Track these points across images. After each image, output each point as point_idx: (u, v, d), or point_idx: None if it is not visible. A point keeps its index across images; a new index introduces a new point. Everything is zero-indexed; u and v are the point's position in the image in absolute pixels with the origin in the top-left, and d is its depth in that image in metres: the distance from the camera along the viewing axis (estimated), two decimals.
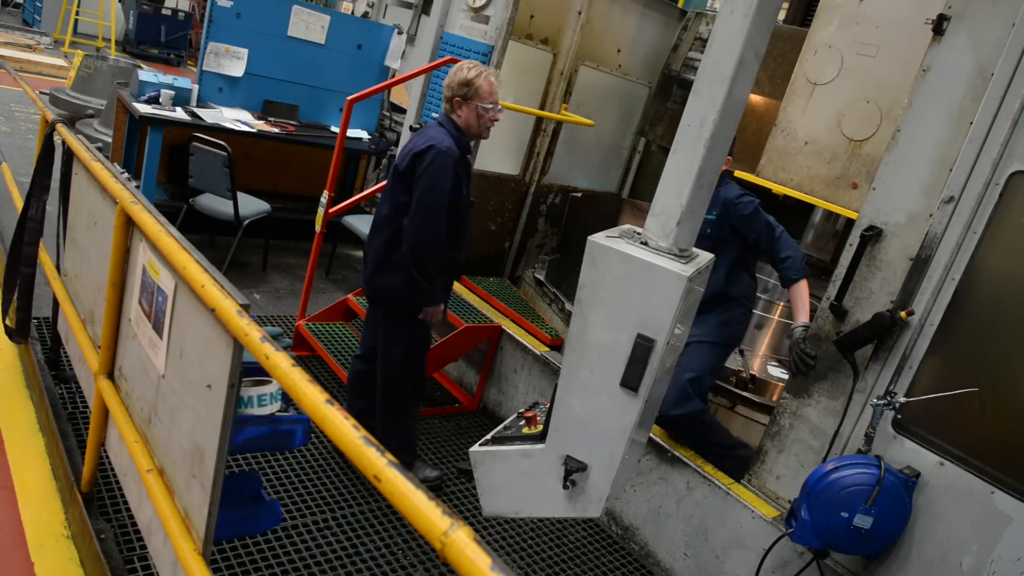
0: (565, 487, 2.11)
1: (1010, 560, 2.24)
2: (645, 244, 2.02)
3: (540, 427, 2.26)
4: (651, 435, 3.24)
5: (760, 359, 3.95)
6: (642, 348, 1.94)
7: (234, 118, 5.30)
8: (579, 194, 5.32)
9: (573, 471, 2.08)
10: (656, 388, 2.07)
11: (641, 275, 1.94)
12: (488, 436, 2.32)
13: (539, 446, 2.17)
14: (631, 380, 1.97)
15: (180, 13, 14.15)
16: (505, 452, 2.24)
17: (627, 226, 2.15)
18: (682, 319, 2.02)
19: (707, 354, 3.20)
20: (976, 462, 2.33)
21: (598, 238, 2.02)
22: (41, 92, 7.22)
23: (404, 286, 2.99)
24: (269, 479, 3.08)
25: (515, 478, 2.23)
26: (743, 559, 2.88)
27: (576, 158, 5.26)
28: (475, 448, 2.29)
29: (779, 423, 2.93)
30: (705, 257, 2.12)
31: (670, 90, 5.49)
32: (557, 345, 3.96)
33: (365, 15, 7.82)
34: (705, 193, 2.09)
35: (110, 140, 5.76)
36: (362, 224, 4.95)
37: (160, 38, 13.86)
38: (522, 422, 2.40)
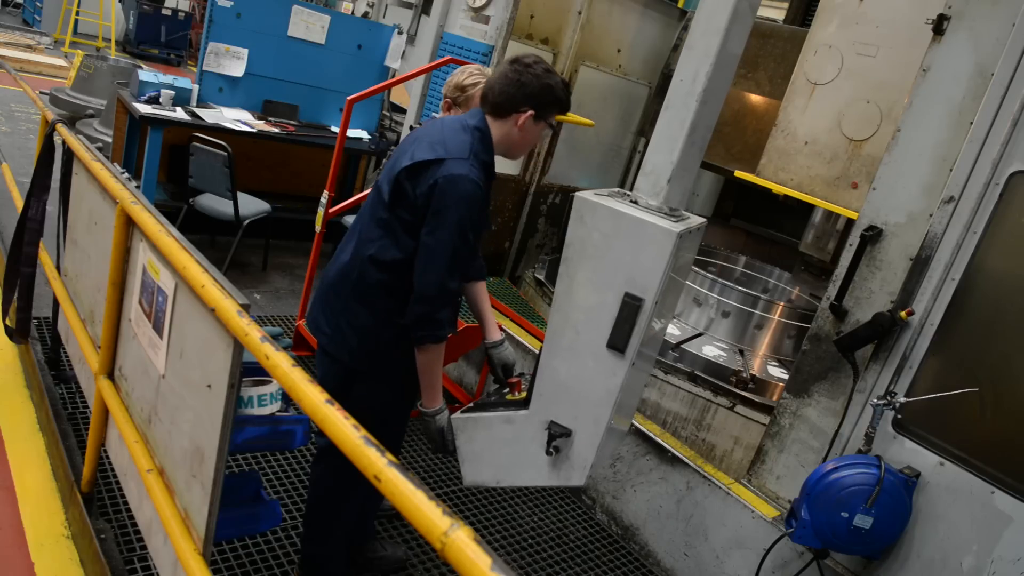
0: (548, 453, 2.05)
1: (1010, 560, 2.24)
2: (635, 203, 1.98)
3: (524, 394, 2.20)
4: (651, 435, 3.25)
5: (760, 359, 3.95)
6: (630, 307, 1.89)
7: (234, 118, 5.30)
8: None
9: (557, 436, 2.03)
10: (644, 351, 2.01)
11: (630, 232, 1.89)
12: (470, 404, 2.27)
13: (522, 412, 2.11)
14: (618, 341, 1.92)
15: (180, 13, 14.14)
16: (487, 418, 2.17)
17: (616, 189, 2.11)
18: (672, 279, 1.97)
19: None
20: (976, 462, 2.34)
21: (586, 194, 1.96)
22: (41, 92, 7.22)
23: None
24: (269, 479, 3.08)
25: (497, 445, 2.17)
26: (743, 559, 2.88)
27: (576, 158, 5.26)
28: (457, 415, 2.23)
29: (779, 423, 2.93)
30: (696, 220, 2.05)
31: None
32: None
33: (365, 15, 7.82)
34: (697, 150, 2.03)
35: (110, 140, 5.76)
36: None
37: (160, 38, 13.85)
38: (506, 389, 2.34)
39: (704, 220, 2.10)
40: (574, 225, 1.96)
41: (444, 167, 2.03)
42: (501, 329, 2.57)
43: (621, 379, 1.94)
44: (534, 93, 2.13)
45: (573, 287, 1.98)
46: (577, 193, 1.98)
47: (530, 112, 2.14)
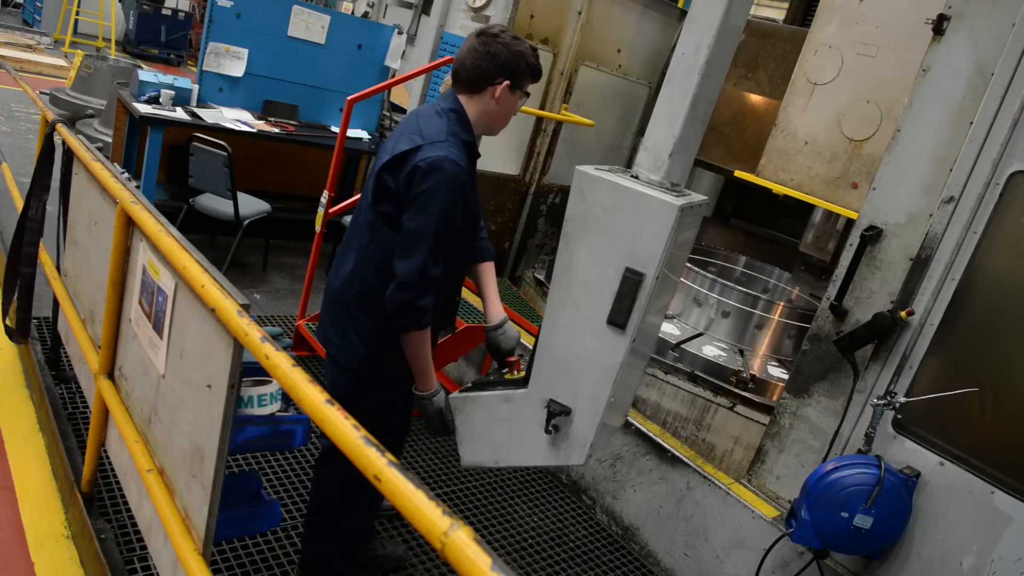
0: (548, 432, 2.02)
1: (1010, 560, 2.24)
2: (636, 178, 1.96)
3: (523, 373, 2.18)
4: (651, 435, 3.25)
5: (760, 359, 3.95)
6: (631, 283, 1.86)
7: (234, 118, 5.30)
8: None
9: (556, 415, 2.00)
10: (645, 328, 1.98)
11: (631, 205, 1.87)
12: (468, 383, 2.25)
13: (521, 391, 2.09)
14: (618, 317, 1.89)
15: (180, 13, 14.14)
16: (485, 397, 2.15)
17: (616, 166, 2.10)
18: (674, 255, 1.94)
19: None
20: (976, 462, 2.34)
21: (587, 168, 1.94)
22: (41, 92, 7.22)
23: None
24: (269, 479, 3.08)
25: (496, 425, 2.14)
26: (743, 559, 2.88)
27: (576, 158, 5.26)
28: (454, 394, 2.21)
29: (779, 423, 2.93)
30: (697, 196, 2.02)
31: None
32: None
33: (365, 15, 7.81)
34: (699, 124, 2.00)
35: (110, 140, 5.76)
36: None
37: (160, 38, 13.85)
38: (504, 369, 2.32)
39: (705, 198, 2.06)
40: (574, 199, 1.93)
41: (421, 152, 2.01)
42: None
43: (621, 356, 1.92)
44: (507, 63, 2.10)
45: (573, 262, 1.95)
46: (578, 167, 1.95)
47: (505, 83, 2.11)
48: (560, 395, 2.01)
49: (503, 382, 2.19)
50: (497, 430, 2.15)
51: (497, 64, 2.10)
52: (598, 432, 2.01)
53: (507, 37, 2.12)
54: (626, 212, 1.88)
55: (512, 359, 2.34)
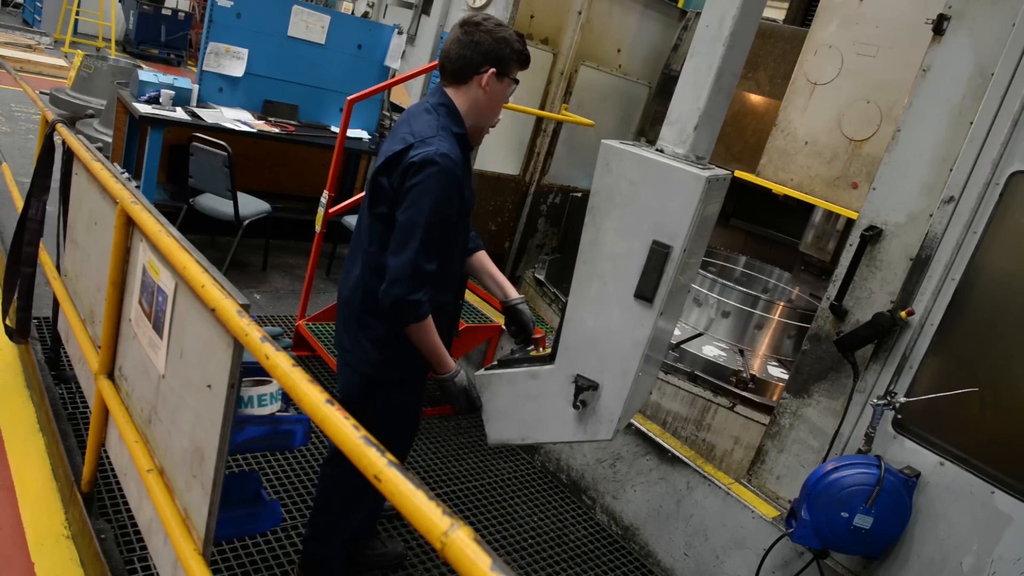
0: (575, 407, 2.02)
1: (1010, 560, 2.24)
2: (661, 152, 1.95)
3: (548, 350, 2.18)
4: (651, 435, 3.25)
5: (760, 359, 3.95)
6: (658, 255, 1.86)
7: (234, 118, 5.30)
8: (579, 194, 5.32)
9: (584, 390, 1.99)
10: (672, 302, 1.97)
11: (658, 178, 1.87)
12: (494, 361, 2.25)
13: (548, 367, 2.08)
14: (646, 290, 1.89)
15: (180, 13, 14.14)
16: (512, 374, 2.15)
17: (641, 141, 2.09)
18: (700, 227, 1.93)
19: None
20: (976, 462, 2.34)
21: (612, 142, 1.94)
22: (41, 92, 7.22)
23: None
24: (269, 479, 3.08)
25: (522, 401, 2.14)
26: (743, 559, 2.88)
27: (576, 158, 5.26)
28: (480, 372, 2.21)
29: (779, 423, 2.93)
30: (721, 171, 2.01)
31: (670, 90, 5.47)
32: None
33: (365, 15, 7.81)
34: (724, 96, 1.99)
35: (110, 140, 5.76)
36: None
37: (160, 38, 13.86)
38: (530, 347, 2.32)
39: (728, 172, 2.05)
40: (600, 174, 1.93)
41: (413, 150, 2.00)
42: None
43: (649, 330, 1.91)
44: (491, 50, 2.08)
45: (600, 236, 1.95)
46: (604, 141, 1.94)
47: (491, 70, 2.10)
48: (587, 370, 2.00)
49: (529, 359, 2.18)
50: (524, 407, 2.14)
51: (481, 52, 2.08)
52: (625, 407, 2.00)
53: (490, 25, 2.10)
54: (653, 185, 1.87)
55: (537, 335, 2.33)
